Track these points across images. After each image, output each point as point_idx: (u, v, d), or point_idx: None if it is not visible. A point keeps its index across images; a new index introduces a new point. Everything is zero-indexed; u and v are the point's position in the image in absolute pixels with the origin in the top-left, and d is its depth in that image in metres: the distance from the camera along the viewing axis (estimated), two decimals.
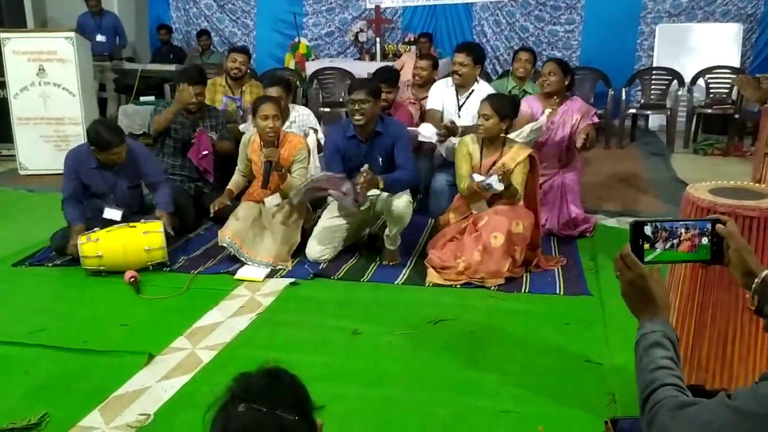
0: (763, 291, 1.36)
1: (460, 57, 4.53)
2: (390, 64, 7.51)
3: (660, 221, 1.42)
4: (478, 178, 3.68)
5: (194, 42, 9.29)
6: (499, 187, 3.57)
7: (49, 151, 6.08)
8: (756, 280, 1.37)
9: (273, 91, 4.41)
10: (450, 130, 4.34)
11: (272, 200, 3.99)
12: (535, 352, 2.84)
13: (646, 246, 1.40)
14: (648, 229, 1.40)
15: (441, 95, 4.71)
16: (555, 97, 4.39)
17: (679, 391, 1.19)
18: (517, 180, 3.69)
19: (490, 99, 3.82)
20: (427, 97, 4.90)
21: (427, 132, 4.52)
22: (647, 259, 1.40)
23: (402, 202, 3.74)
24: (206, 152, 4.51)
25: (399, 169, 3.79)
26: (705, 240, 1.42)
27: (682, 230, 1.41)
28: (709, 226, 1.42)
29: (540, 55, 8.21)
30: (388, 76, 4.75)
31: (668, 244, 1.41)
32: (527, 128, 4.12)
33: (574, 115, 4.34)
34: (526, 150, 3.79)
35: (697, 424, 1.09)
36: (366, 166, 3.62)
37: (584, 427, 2.28)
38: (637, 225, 1.41)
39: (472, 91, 4.57)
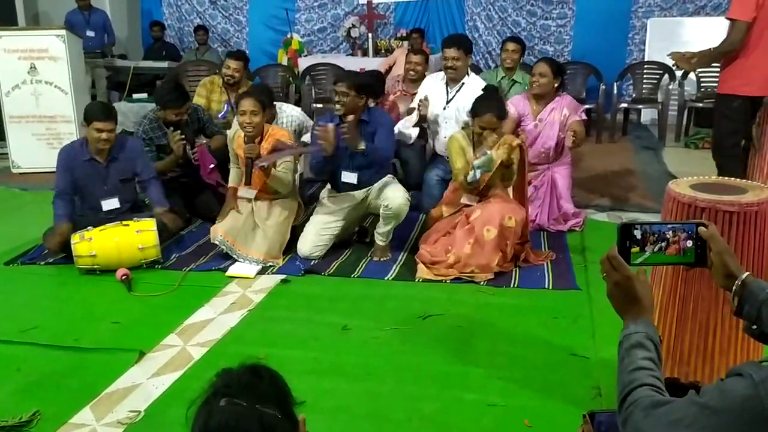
0: (742, 293, 1.39)
1: (452, 51, 4.47)
2: (381, 59, 7.54)
3: (648, 224, 1.43)
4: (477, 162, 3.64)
5: (187, 39, 9.29)
6: (492, 156, 3.57)
7: (42, 149, 6.08)
8: (737, 282, 1.40)
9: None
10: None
11: (246, 192, 4.00)
12: (522, 346, 2.87)
13: (635, 249, 1.42)
14: (637, 233, 1.42)
15: (428, 90, 4.69)
16: (544, 98, 4.41)
17: (655, 392, 1.21)
18: (504, 157, 3.67)
19: (491, 103, 3.78)
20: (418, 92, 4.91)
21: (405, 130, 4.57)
22: (635, 261, 1.41)
23: (399, 197, 3.76)
24: (212, 165, 4.47)
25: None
26: (689, 243, 1.44)
27: (670, 233, 1.43)
28: (694, 229, 1.44)
29: (532, 50, 8.27)
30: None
31: (656, 248, 1.43)
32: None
33: (563, 111, 4.37)
34: (515, 140, 3.81)
35: (667, 422, 1.12)
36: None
37: (569, 420, 2.29)
38: (624, 227, 1.42)
39: (463, 84, 4.55)
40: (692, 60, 4.15)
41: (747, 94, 3.99)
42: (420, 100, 4.58)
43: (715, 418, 1.07)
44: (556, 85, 4.39)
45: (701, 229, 1.43)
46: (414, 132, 4.60)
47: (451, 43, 4.55)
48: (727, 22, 3.96)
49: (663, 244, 1.43)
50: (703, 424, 1.07)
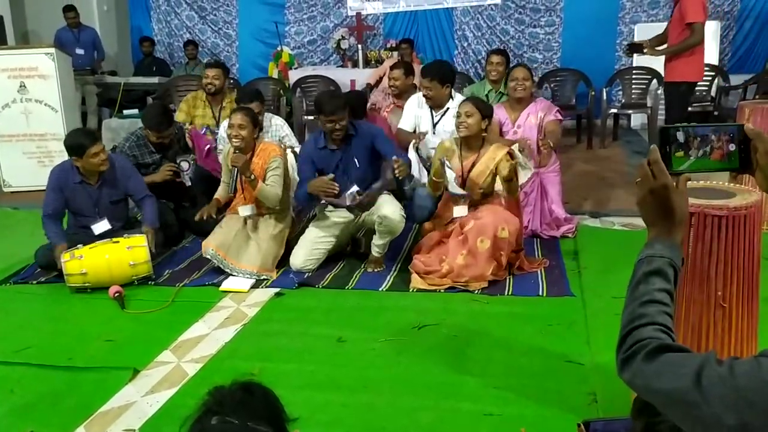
0: None
1: (425, 81, 4.48)
2: (371, 70, 7.56)
3: (691, 126, 1.32)
4: (453, 189, 3.73)
5: (177, 54, 9.31)
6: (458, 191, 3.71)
7: (33, 167, 6.07)
8: None
9: (253, 106, 4.40)
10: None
11: (245, 210, 4.00)
12: (517, 354, 2.86)
13: (679, 153, 1.30)
14: (680, 136, 1.29)
15: (414, 114, 4.70)
16: (520, 103, 4.45)
17: (665, 333, 1.12)
18: (505, 174, 3.67)
19: (471, 99, 3.88)
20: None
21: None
22: (679, 168, 1.30)
23: (394, 214, 3.77)
24: (208, 146, 4.47)
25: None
26: (732, 146, 1.32)
27: (714, 136, 1.31)
28: (736, 130, 1.32)
29: (521, 58, 8.31)
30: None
31: (701, 152, 1.31)
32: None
33: (538, 114, 4.42)
34: (503, 149, 3.81)
35: (676, 374, 1.04)
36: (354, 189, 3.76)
37: (566, 427, 2.29)
38: (665, 130, 1.30)
39: (447, 109, 4.54)
40: (658, 48, 5.06)
41: (691, 80, 4.93)
42: (418, 137, 4.54)
43: (741, 388, 0.98)
44: (534, 89, 4.46)
45: (747, 126, 1.31)
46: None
47: (425, 72, 4.55)
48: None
49: (707, 148, 1.31)
50: (723, 393, 0.99)
